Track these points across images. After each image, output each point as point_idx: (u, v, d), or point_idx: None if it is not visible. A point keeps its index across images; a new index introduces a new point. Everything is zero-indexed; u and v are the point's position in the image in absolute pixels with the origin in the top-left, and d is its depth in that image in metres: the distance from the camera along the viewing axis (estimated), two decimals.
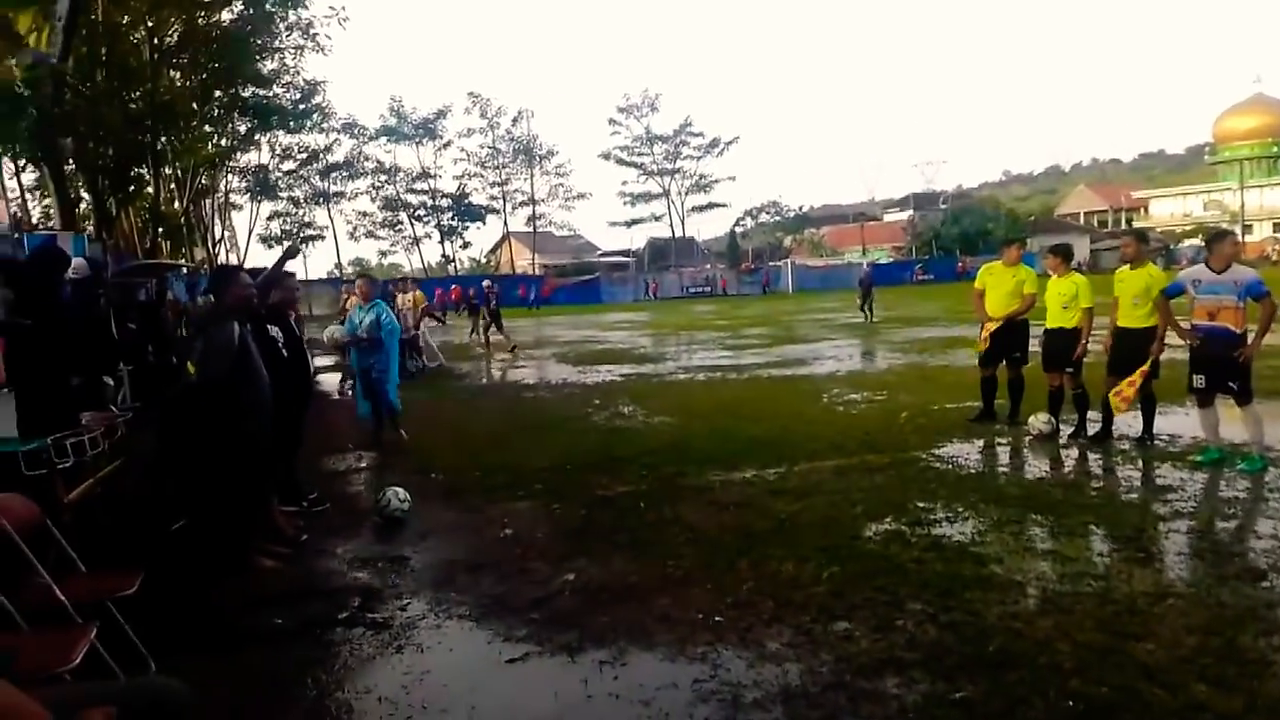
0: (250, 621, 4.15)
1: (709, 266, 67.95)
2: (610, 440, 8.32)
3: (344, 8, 28.19)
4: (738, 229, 77.71)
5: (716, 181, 73.10)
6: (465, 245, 71.36)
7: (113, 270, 10.25)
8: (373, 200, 66.40)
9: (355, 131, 62.29)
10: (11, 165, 15.79)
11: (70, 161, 13.57)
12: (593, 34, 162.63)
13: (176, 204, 29.26)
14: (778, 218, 79.58)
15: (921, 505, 5.68)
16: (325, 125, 56.01)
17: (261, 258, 69.88)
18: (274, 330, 5.59)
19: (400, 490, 5.84)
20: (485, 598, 4.33)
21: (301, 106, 45.52)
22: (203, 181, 44.47)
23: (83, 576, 3.33)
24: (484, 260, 77.19)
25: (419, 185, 66.61)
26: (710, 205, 73.99)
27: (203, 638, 3.96)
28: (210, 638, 3.97)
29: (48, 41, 7.35)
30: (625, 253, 72.79)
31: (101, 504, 4.55)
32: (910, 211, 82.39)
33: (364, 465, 7.88)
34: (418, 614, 4.18)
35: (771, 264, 66.30)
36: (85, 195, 16.78)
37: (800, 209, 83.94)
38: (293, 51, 33.01)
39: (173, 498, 5.16)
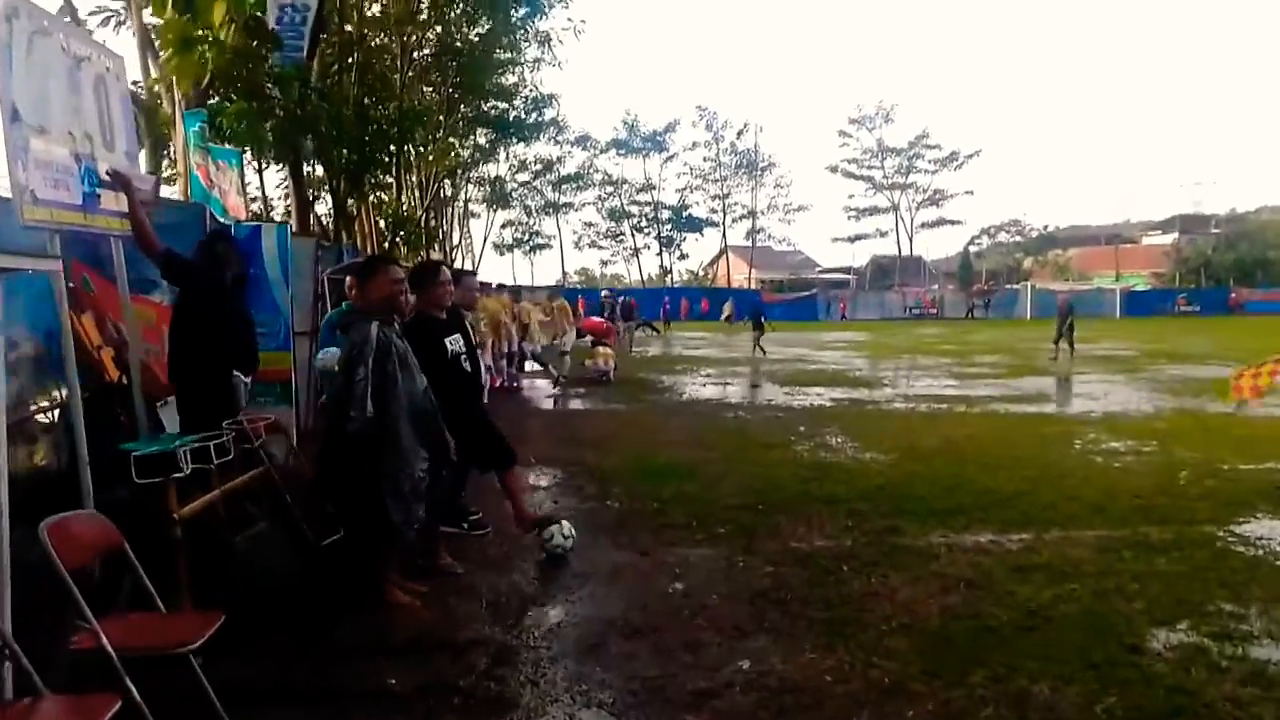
0: (360, 674, 3.50)
1: (936, 287, 64.03)
2: (812, 478, 7.21)
3: (583, 20, 28.61)
4: (972, 248, 72.83)
5: (951, 197, 69.25)
6: (683, 257, 71.83)
7: (331, 269, 10.40)
8: (598, 211, 68.43)
9: (587, 144, 64.44)
10: (255, 165, 17.06)
11: (310, 162, 14.34)
12: (827, 42, 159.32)
13: (418, 210, 31.03)
14: (1018, 237, 73.96)
15: (1229, 609, 4.20)
16: (560, 138, 58.37)
17: (495, 264, 73.63)
18: (454, 342, 4.97)
19: (566, 525, 5.10)
20: (635, 681, 3.43)
21: (537, 119, 47.53)
22: (445, 191, 47.49)
23: (140, 620, 2.77)
24: (701, 273, 77.30)
25: (642, 197, 67.87)
26: (942, 222, 70.08)
27: (299, 689, 3.35)
28: (308, 691, 3.35)
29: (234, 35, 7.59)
30: (846, 270, 70.31)
31: (229, 523, 4.10)
32: (1174, 235, 73.72)
33: (541, 483, 7.25)
34: (550, 693, 3.35)
35: (1008, 286, 61.44)
36: (325, 196, 17.76)
37: (1044, 228, 77.53)
38: (531, 65, 34.13)
39: (325, 517, 4.68)
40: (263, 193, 21.92)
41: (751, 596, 4.39)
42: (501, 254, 64.09)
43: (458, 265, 51.51)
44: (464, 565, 4.87)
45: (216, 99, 12.08)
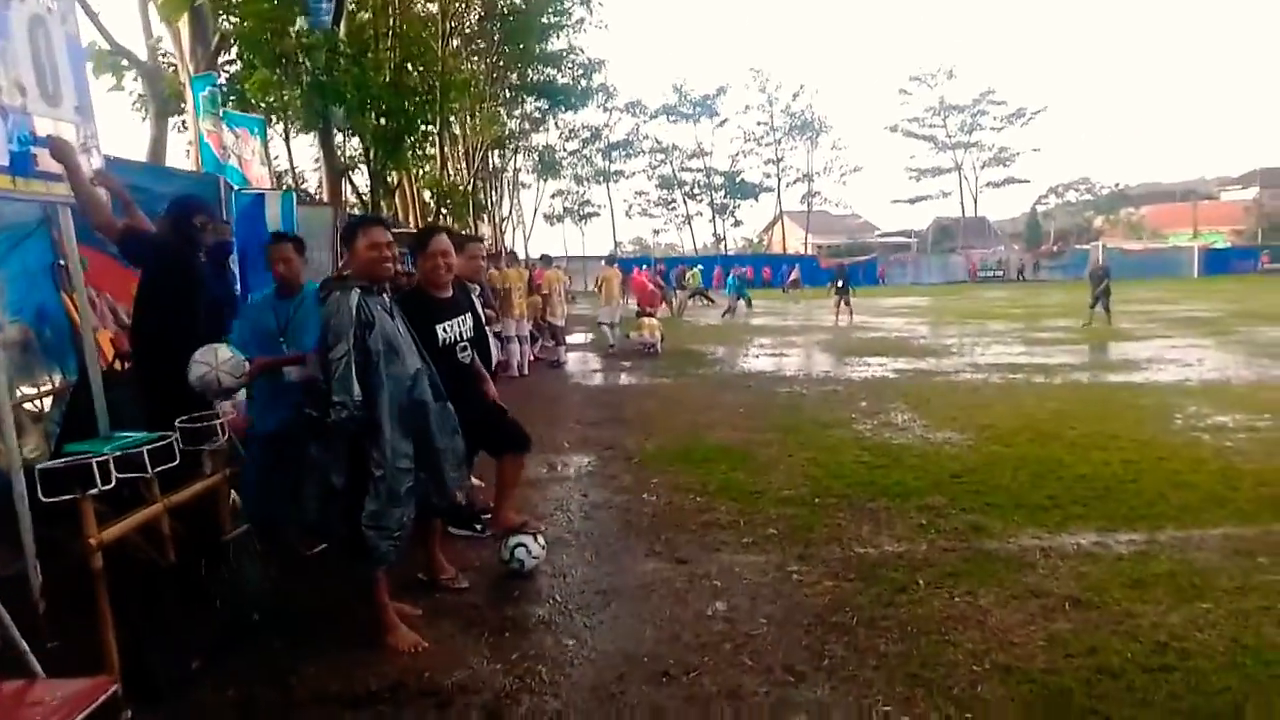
0: None
1: (1002, 248, 61.56)
2: (877, 464, 6.37)
3: None
4: (1039, 207, 69.96)
5: (1017, 155, 66.41)
6: (736, 224, 70.50)
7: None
8: (649, 178, 67.43)
9: (636, 110, 63.34)
10: (282, 132, 16.53)
11: (344, 132, 13.77)
12: None
13: (465, 180, 30.49)
14: (1088, 195, 70.83)
15: None
16: (608, 105, 57.42)
17: (546, 234, 73.62)
18: (449, 328, 4.24)
19: (538, 542, 4.32)
20: None
21: (585, 85, 46.63)
22: (495, 162, 46.98)
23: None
24: (756, 240, 75.83)
25: (693, 163, 66.64)
26: (1008, 181, 67.43)
27: None
28: None
29: None
30: (907, 233, 68.18)
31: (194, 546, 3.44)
32: (1255, 190, 69.65)
33: (570, 473, 6.53)
34: None
35: (1078, 246, 58.81)
36: (364, 167, 17.21)
37: (1116, 186, 74.11)
38: (575, 26, 33.19)
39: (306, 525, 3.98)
40: (291, 164, 21.45)
41: (808, 621, 3.62)
42: (552, 224, 63.77)
43: (508, 237, 51.18)
44: (469, 577, 4.19)
45: (240, 65, 11.65)
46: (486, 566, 4.39)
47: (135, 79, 8.22)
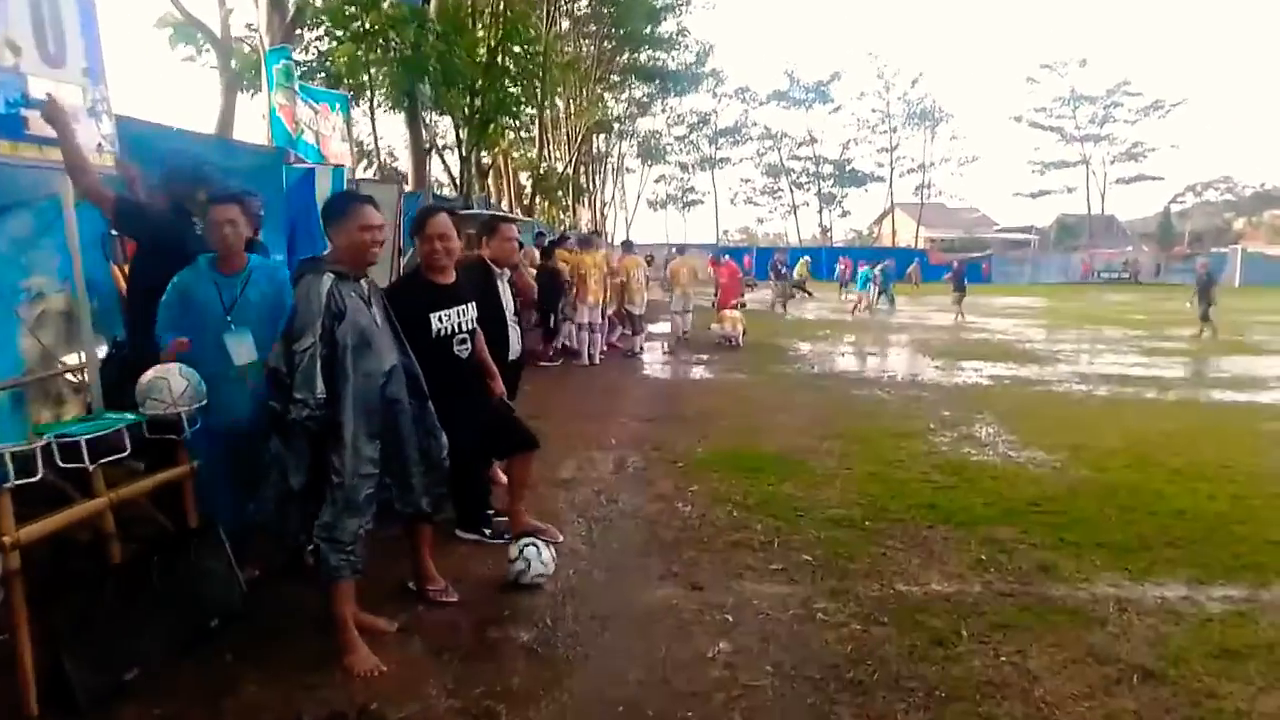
0: None
1: (1129, 249, 57.86)
2: (946, 484, 5.76)
3: None
4: (1174, 207, 65.49)
5: (1152, 150, 62.12)
6: (844, 214, 68.64)
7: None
8: (755, 166, 66.37)
9: (745, 96, 62.32)
10: (371, 109, 16.66)
11: (427, 110, 13.70)
12: None
13: (565, 165, 30.49)
14: (1229, 195, 65.89)
15: None
16: (717, 90, 56.63)
17: (649, 220, 73.56)
18: (446, 318, 3.94)
19: (542, 551, 3.92)
20: None
21: (695, 70, 46.05)
22: (599, 147, 46.99)
23: None
24: (865, 232, 73.69)
25: (802, 151, 65.15)
26: (1140, 178, 63.33)
27: None
28: None
29: None
30: (1027, 229, 64.94)
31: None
32: None
33: (606, 473, 6.13)
34: None
35: (1215, 250, 54.73)
36: (452, 147, 17.20)
37: (1261, 186, 68.64)
38: (683, 6, 32.64)
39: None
40: (375, 143, 21.58)
41: (820, 674, 3.14)
42: (655, 210, 63.51)
43: (610, 221, 51.16)
44: (463, 589, 3.87)
45: (324, 39, 11.72)
46: (485, 578, 4.05)
47: (208, 50, 8.26)
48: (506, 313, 4.67)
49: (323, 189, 6.59)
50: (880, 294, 24.26)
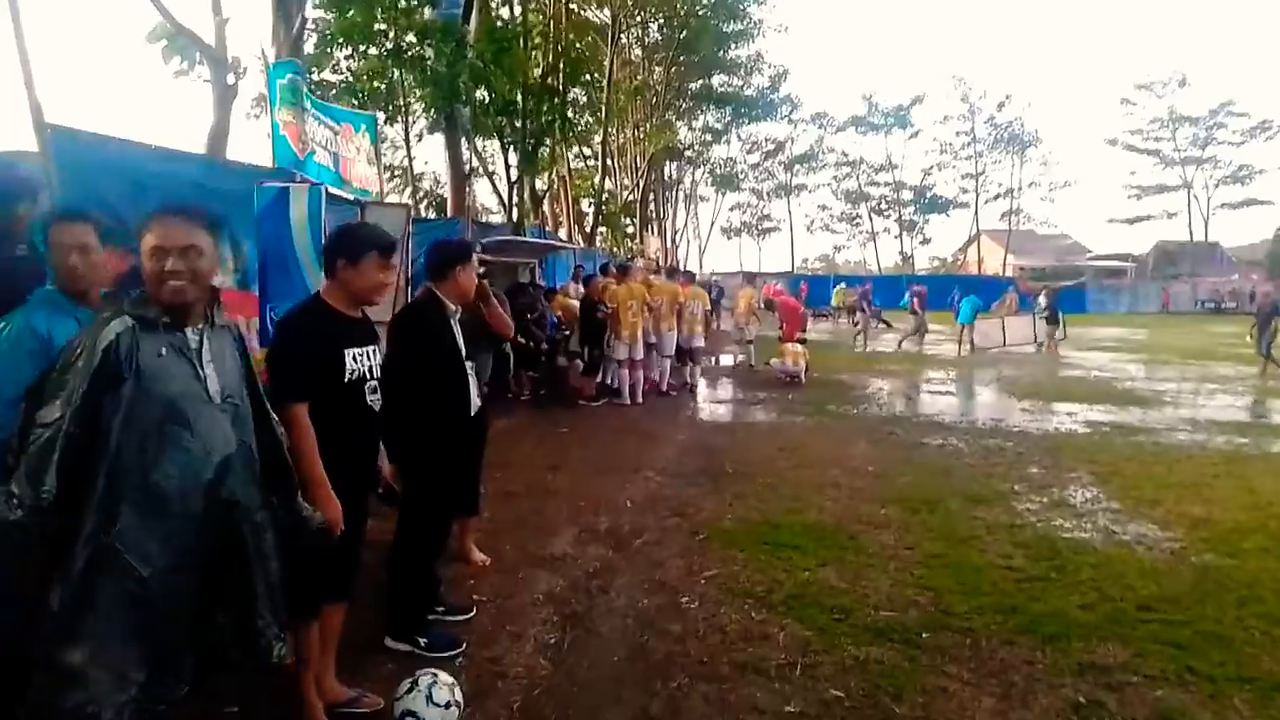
0: None
1: (1236, 277, 54.13)
2: (1031, 576, 4.54)
3: None
4: None
5: (1260, 173, 58.33)
6: (925, 241, 66.44)
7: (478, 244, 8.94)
8: (833, 192, 64.90)
9: (822, 123, 61.05)
10: (415, 131, 16.13)
11: (467, 134, 12.99)
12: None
13: (629, 192, 29.77)
14: None
15: None
16: (793, 116, 55.54)
17: (722, 249, 73.11)
18: (362, 357, 3.03)
19: (441, 685, 2.91)
20: None
21: (770, 96, 45.11)
22: (671, 174, 46.30)
23: None
24: (950, 259, 71.16)
25: (881, 177, 63.48)
26: (1248, 202, 59.52)
27: None
28: None
29: None
30: (1123, 257, 61.63)
31: None
32: None
33: (603, 551, 5.09)
34: None
35: None
36: (499, 172, 16.53)
37: None
38: (754, 29, 31.72)
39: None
40: (410, 166, 20.86)
41: None
42: (729, 238, 62.58)
43: (680, 251, 50.22)
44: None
45: (350, 53, 11.17)
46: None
47: (202, 64, 7.67)
48: (464, 360, 3.71)
49: (299, 212, 5.79)
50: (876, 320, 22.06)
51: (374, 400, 2.99)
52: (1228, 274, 55.99)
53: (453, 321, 3.70)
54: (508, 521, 5.42)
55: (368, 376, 2.97)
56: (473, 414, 3.76)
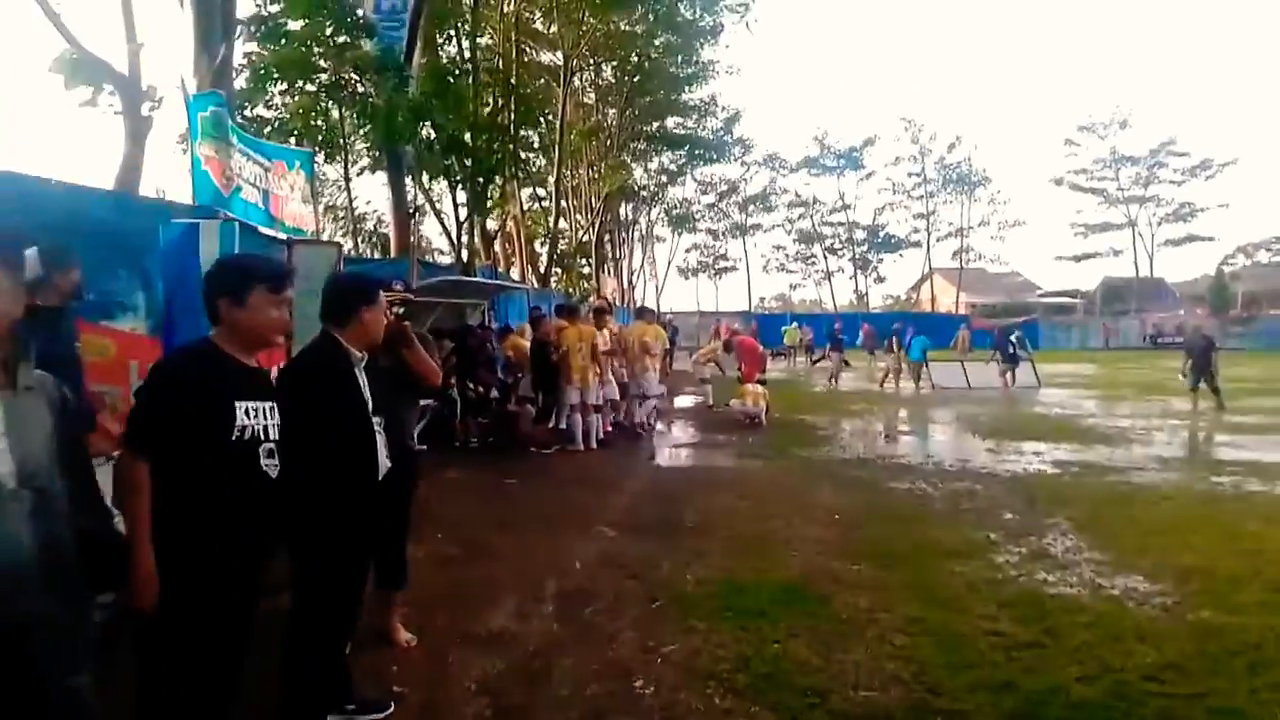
0: None
1: (1182, 312, 55.38)
2: (1025, 640, 4.10)
3: (752, 14, 25.53)
4: (1226, 268, 62.92)
5: (1202, 210, 60.04)
6: (880, 280, 67.15)
7: (414, 285, 8.40)
8: (787, 232, 65.51)
9: (774, 164, 61.69)
10: (351, 171, 15.69)
11: (411, 171, 12.52)
12: (1048, 43, 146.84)
13: (583, 231, 29.42)
14: None
15: None
16: (745, 158, 55.96)
17: (679, 289, 73.41)
18: (256, 414, 2.51)
19: None
20: None
21: (722, 137, 45.34)
22: (626, 214, 46.21)
23: None
24: (903, 298, 72.01)
25: (835, 217, 64.29)
26: (1189, 239, 61.16)
27: None
28: None
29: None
30: (1072, 293, 62.82)
31: None
32: None
33: (544, 625, 4.57)
34: None
35: (1272, 312, 52.18)
36: (447, 211, 16.04)
37: None
38: (704, 71, 31.80)
39: None
40: (350, 205, 20.34)
41: None
42: (686, 278, 62.70)
43: (638, 291, 50.02)
44: None
45: (286, 89, 10.67)
46: None
47: (113, 93, 7.12)
48: (370, 416, 3.19)
49: (209, 248, 5.26)
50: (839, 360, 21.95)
51: (269, 465, 2.48)
52: (1173, 309, 57.30)
53: (357, 371, 3.19)
54: (441, 591, 4.85)
55: (262, 437, 2.46)
56: (380, 478, 3.22)
